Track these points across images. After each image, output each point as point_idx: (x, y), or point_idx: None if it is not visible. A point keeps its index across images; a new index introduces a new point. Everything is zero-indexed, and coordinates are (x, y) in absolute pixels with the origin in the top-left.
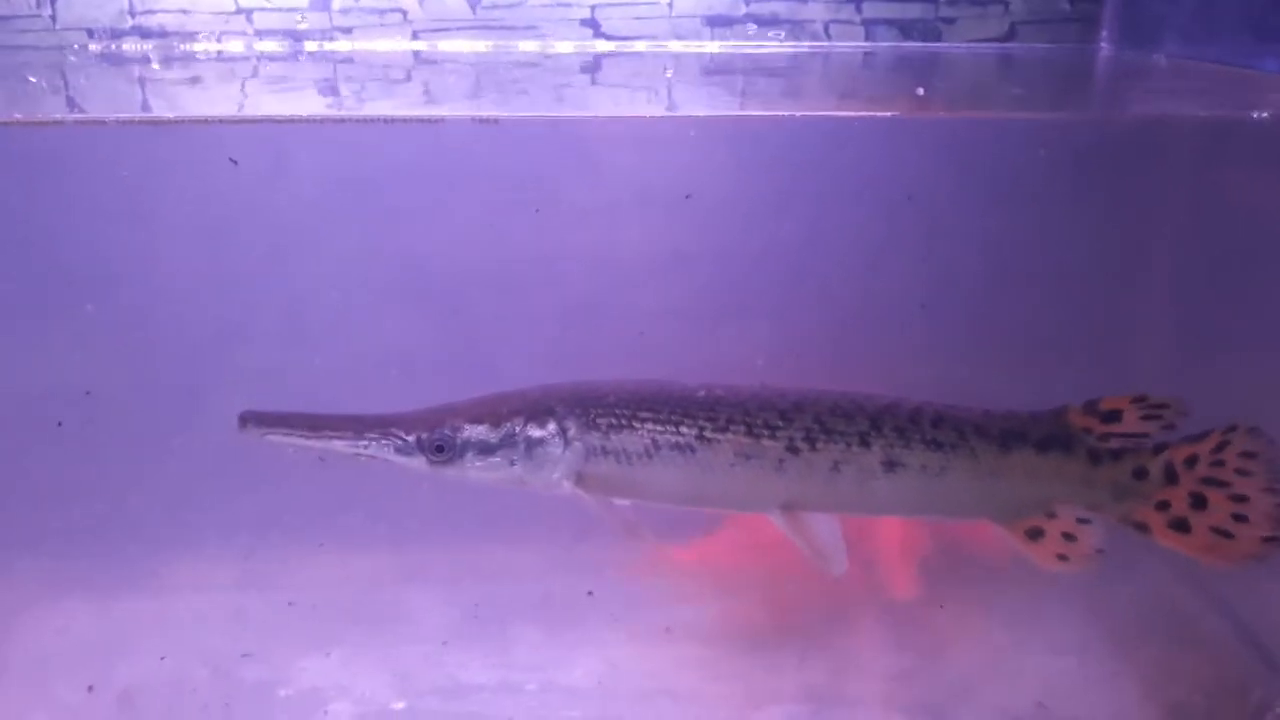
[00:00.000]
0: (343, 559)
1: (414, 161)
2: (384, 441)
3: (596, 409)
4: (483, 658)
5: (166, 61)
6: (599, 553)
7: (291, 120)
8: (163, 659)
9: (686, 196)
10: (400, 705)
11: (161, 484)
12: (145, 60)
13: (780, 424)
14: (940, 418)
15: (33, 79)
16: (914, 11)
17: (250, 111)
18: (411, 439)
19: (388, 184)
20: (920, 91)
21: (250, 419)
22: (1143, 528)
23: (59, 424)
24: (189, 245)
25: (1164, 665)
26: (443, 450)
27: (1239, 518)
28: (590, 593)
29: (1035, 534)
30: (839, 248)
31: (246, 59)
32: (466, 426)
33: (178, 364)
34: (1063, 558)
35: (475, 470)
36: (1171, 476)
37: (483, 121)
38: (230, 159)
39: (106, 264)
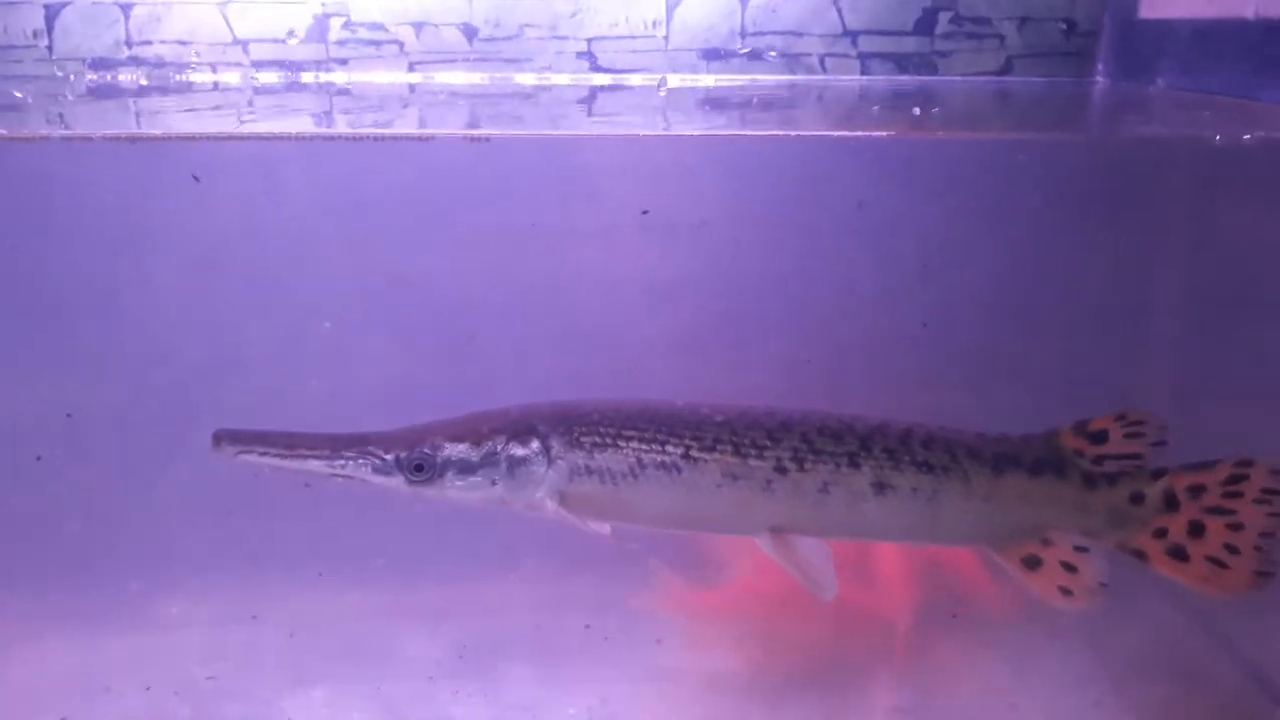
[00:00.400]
0: (329, 593)
1: (407, 185)
2: (362, 461)
3: (580, 427)
4: (473, 694)
5: (162, 92)
6: (592, 588)
7: (283, 138)
8: (145, 692)
9: (644, 212)
10: None
11: (144, 517)
12: (141, 91)
13: (768, 444)
14: (931, 439)
15: (18, 94)
16: (909, 45)
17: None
18: (390, 458)
19: (381, 207)
20: (916, 111)
21: (224, 437)
22: (1140, 555)
23: (38, 458)
24: (177, 268)
25: (1169, 703)
26: (422, 469)
27: (1233, 549)
28: (588, 626)
29: (1033, 563)
30: (835, 268)
31: (242, 90)
32: (446, 445)
33: (164, 392)
34: (1066, 591)
35: (455, 490)
36: (1171, 503)
37: (475, 140)
38: (194, 176)
39: (89, 288)
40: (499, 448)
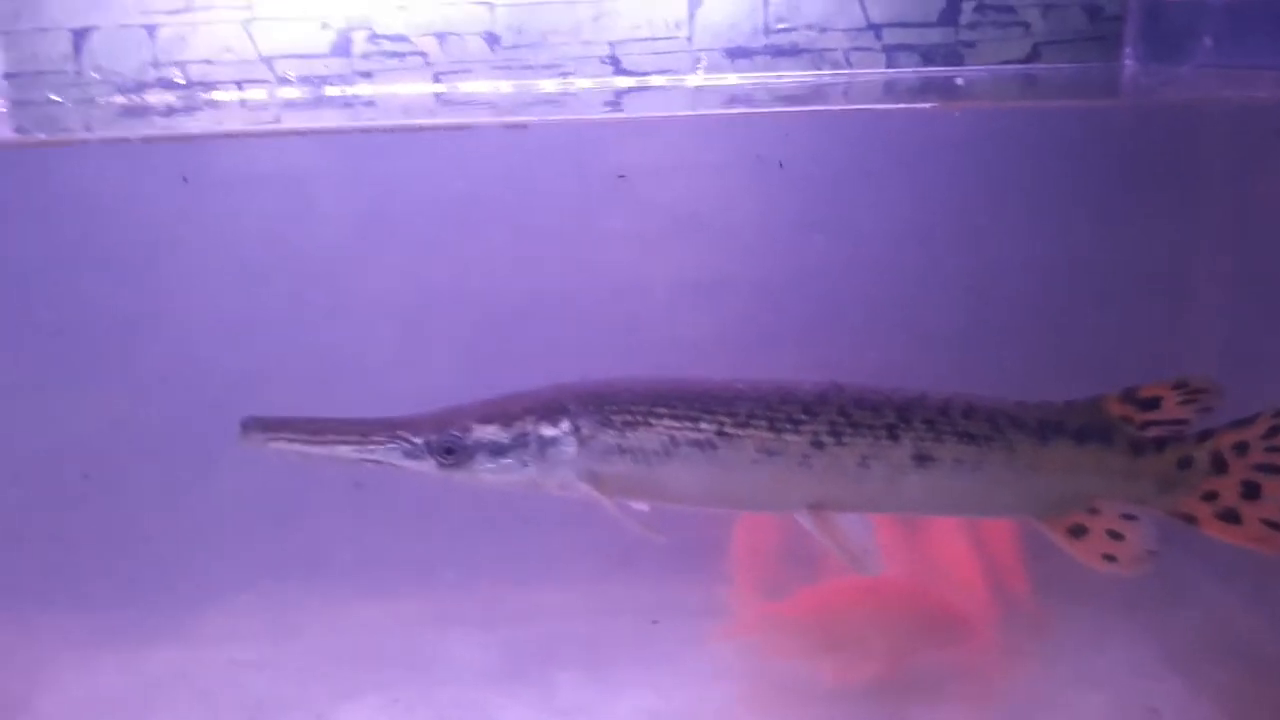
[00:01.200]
0: (380, 602)
1: (439, 187)
2: (391, 445)
3: (611, 406)
4: (524, 699)
5: (190, 110)
6: (644, 591)
7: (318, 132)
8: (199, 703)
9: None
10: None
11: (191, 534)
12: (170, 110)
13: (804, 418)
14: (972, 409)
15: (55, 97)
16: (934, 36)
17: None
18: (420, 441)
19: (414, 210)
20: (960, 81)
21: (252, 425)
22: (1189, 519)
23: (85, 476)
24: (215, 283)
25: (1236, 690)
26: (452, 452)
27: None
28: (655, 621)
29: (1078, 531)
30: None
31: (268, 106)
32: (476, 427)
33: (208, 405)
34: (1110, 558)
35: (487, 473)
36: (1220, 465)
37: (511, 127)
38: (183, 177)
39: (130, 306)
40: (529, 429)
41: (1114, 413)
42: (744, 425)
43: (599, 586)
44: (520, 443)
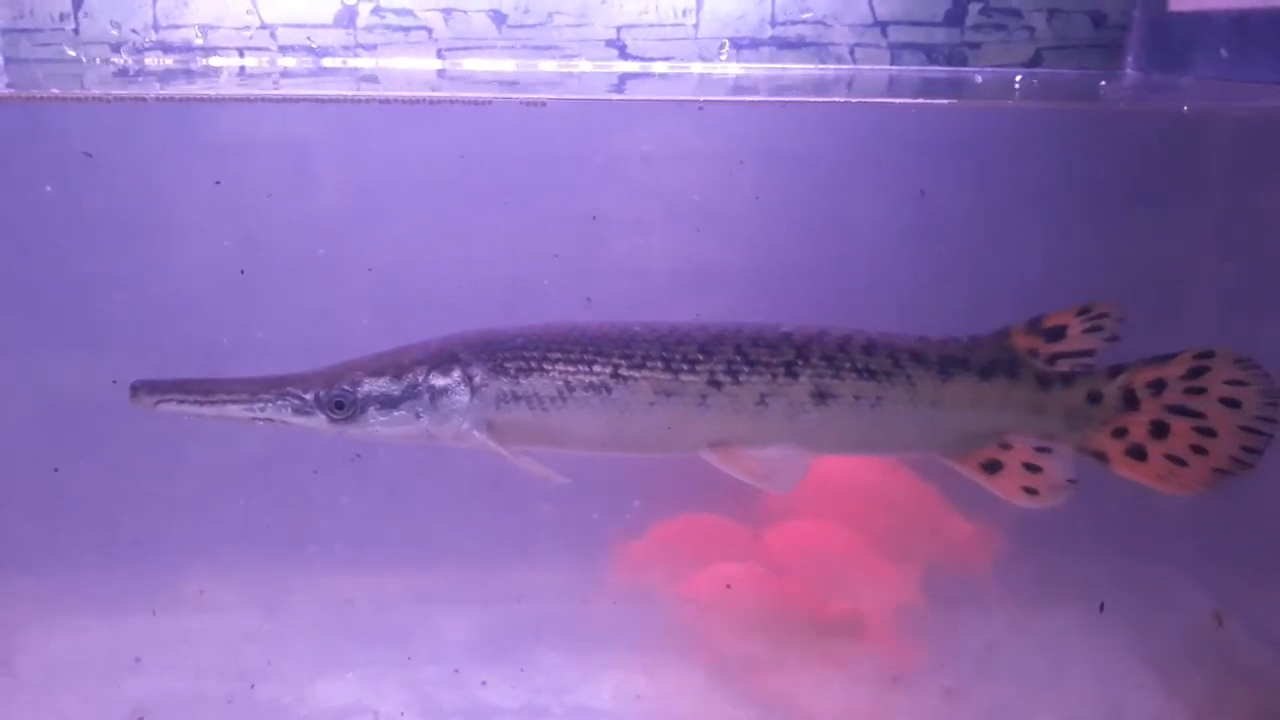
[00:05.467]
0: (361, 578)
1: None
2: (280, 402)
3: (504, 353)
4: (504, 679)
5: (188, 76)
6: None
7: (338, 100)
8: (180, 671)
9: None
10: None
11: (179, 500)
12: (167, 75)
13: (700, 358)
14: (873, 344)
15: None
16: (939, 36)
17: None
18: (309, 397)
19: (408, 188)
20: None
21: (142, 388)
22: (1101, 457)
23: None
24: (203, 248)
25: (1214, 695)
26: (343, 407)
27: (1197, 448)
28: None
29: (993, 467)
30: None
31: (268, 74)
32: (366, 380)
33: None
34: (1030, 491)
35: (379, 426)
36: (1131, 401)
37: (529, 104)
38: (85, 152)
39: (114, 266)
40: (420, 379)
41: (1021, 346)
42: (639, 367)
43: (584, 568)
44: (412, 394)
